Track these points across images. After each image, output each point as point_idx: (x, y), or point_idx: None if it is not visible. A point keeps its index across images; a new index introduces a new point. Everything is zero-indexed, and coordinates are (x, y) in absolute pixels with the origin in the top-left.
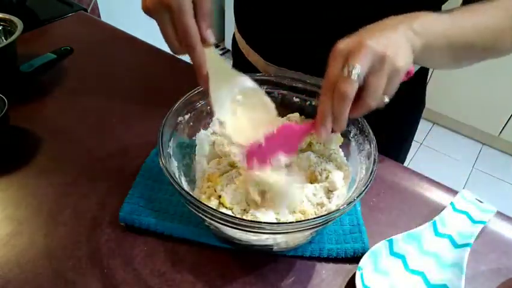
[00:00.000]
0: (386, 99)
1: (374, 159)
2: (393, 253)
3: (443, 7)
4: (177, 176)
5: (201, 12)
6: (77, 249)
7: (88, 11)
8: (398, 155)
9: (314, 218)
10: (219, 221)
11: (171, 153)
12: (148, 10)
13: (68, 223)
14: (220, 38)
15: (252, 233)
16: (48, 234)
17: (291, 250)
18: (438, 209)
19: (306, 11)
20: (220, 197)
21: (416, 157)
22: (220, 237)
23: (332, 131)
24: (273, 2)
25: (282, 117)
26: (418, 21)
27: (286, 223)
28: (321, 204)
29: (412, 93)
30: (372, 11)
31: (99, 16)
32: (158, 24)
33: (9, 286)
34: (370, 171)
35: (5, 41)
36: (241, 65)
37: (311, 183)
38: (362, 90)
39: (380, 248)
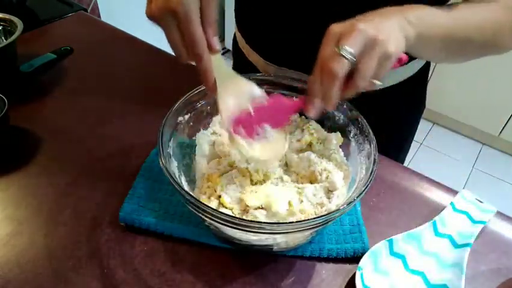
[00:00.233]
0: (378, 83)
1: (374, 159)
2: (393, 253)
3: None
4: (177, 176)
5: (207, 19)
6: (77, 249)
7: (88, 11)
8: (398, 155)
9: (314, 218)
10: (219, 221)
11: (171, 153)
12: (152, 16)
13: (68, 223)
14: (220, 38)
15: (252, 233)
16: (48, 234)
17: (291, 250)
18: (438, 209)
19: (306, 11)
20: (220, 197)
21: (416, 157)
22: (220, 237)
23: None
24: (273, 2)
25: None
26: (413, 12)
27: (286, 223)
28: (321, 204)
29: (412, 93)
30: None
31: (99, 16)
32: (164, 31)
33: (9, 286)
34: (370, 171)
35: (5, 41)
36: (242, 64)
37: (311, 183)
38: (352, 72)
39: (380, 248)
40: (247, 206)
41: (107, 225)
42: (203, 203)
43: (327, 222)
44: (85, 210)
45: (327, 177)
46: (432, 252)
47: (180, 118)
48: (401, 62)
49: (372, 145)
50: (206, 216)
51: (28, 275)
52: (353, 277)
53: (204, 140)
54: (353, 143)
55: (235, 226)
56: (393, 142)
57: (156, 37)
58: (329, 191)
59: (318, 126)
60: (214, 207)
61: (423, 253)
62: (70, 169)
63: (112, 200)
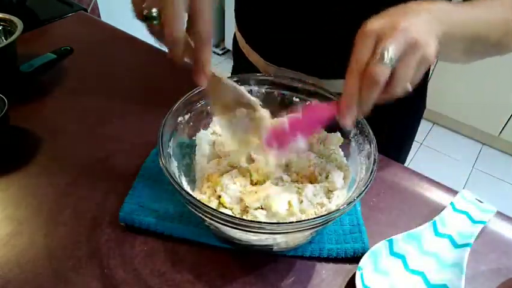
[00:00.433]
0: (409, 88)
1: (374, 159)
2: (393, 253)
3: None
4: (177, 176)
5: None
6: (77, 249)
7: (88, 11)
8: (399, 155)
9: (314, 218)
10: (219, 221)
11: (171, 153)
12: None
13: (68, 223)
14: (220, 38)
15: (252, 233)
16: (48, 234)
17: (291, 250)
18: (438, 209)
19: (306, 11)
20: (220, 197)
21: (416, 157)
22: (220, 237)
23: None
24: (273, 2)
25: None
26: (440, 9)
27: (286, 223)
28: (321, 204)
29: (413, 93)
30: (375, 12)
31: (99, 16)
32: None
33: (9, 286)
34: (370, 171)
35: (5, 41)
36: (242, 65)
37: (311, 183)
38: (389, 76)
39: (380, 248)
40: (247, 206)
41: (107, 225)
42: (203, 203)
43: (327, 222)
44: (85, 210)
45: (327, 177)
46: (432, 252)
47: (180, 118)
48: None
49: (372, 145)
50: (206, 216)
51: (28, 275)
52: (353, 277)
53: (204, 140)
54: (353, 143)
55: (235, 226)
56: (394, 142)
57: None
58: (329, 191)
59: None
60: (214, 207)
61: (423, 253)
62: (70, 169)
63: (112, 200)
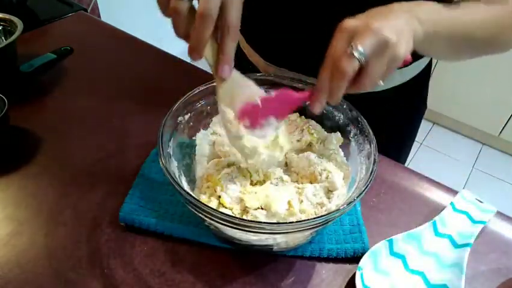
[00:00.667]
0: (381, 83)
1: (374, 159)
2: (393, 253)
3: None
4: (177, 176)
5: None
6: (77, 249)
7: (88, 11)
8: (399, 156)
9: (314, 218)
10: (219, 221)
11: (171, 153)
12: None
13: (68, 223)
14: None
15: (252, 233)
16: (49, 234)
17: (291, 250)
18: (438, 209)
19: (306, 11)
20: (220, 197)
21: (416, 157)
22: (220, 237)
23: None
24: (273, 2)
25: None
26: (422, 10)
27: (286, 223)
28: (321, 204)
29: (413, 94)
30: None
31: (99, 16)
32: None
33: (9, 286)
34: (370, 171)
35: (5, 41)
36: (242, 65)
37: (311, 183)
38: (360, 71)
39: (380, 248)
40: (247, 206)
41: (107, 225)
42: (203, 203)
43: (327, 222)
44: (85, 210)
45: (327, 177)
46: (432, 252)
47: (180, 118)
48: (405, 63)
49: (372, 145)
50: (206, 216)
51: (28, 275)
52: (353, 277)
53: (204, 140)
54: (353, 143)
55: (235, 226)
56: (394, 142)
57: (156, 37)
58: (329, 191)
59: (318, 126)
60: (214, 207)
61: (423, 253)
62: (70, 169)
63: (112, 200)
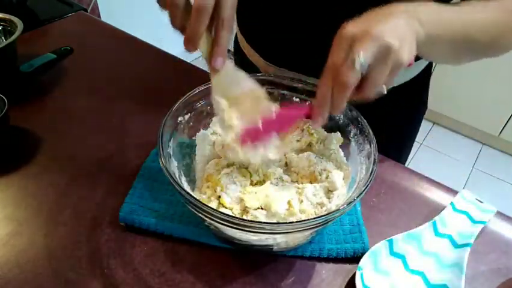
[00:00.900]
0: (384, 90)
1: (374, 159)
2: (393, 253)
3: None
4: (177, 176)
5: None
6: (77, 249)
7: (88, 11)
8: (400, 156)
9: (314, 218)
10: (219, 221)
11: (171, 153)
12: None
13: (68, 223)
14: None
15: (252, 233)
16: (48, 234)
17: (291, 250)
18: (438, 209)
19: (306, 11)
20: (220, 197)
21: (416, 157)
22: (220, 237)
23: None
24: (273, 2)
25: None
26: (423, 11)
27: (286, 223)
28: (321, 204)
29: (414, 94)
30: None
31: (99, 16)
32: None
33: (9, 286)
34: (370, 171)
35: (5, 41)
36: (243, 65)
37: (311, 183)
38: (362, 79)
39: (380, 248)
40: (247, 206)
41: (107, 225)
42: (203, 203)
43: (327, 222)
44: (85, 210)
45: (327, 177)
46: (432, 252)
47: (180, 118)
48: (408, 66)
49: (372, 145)
50: (206, 216)
51: (28, 275)
52: (353, 277)
53: (204, 140)
54: (353, 143)
55: (235, 226)
56: (394, 142)
57: (156, 37)
58: (329, 191)
59: None
60: (214, 207)
61: (423, 253)
62: (70, 169)
63: (112, 200)
